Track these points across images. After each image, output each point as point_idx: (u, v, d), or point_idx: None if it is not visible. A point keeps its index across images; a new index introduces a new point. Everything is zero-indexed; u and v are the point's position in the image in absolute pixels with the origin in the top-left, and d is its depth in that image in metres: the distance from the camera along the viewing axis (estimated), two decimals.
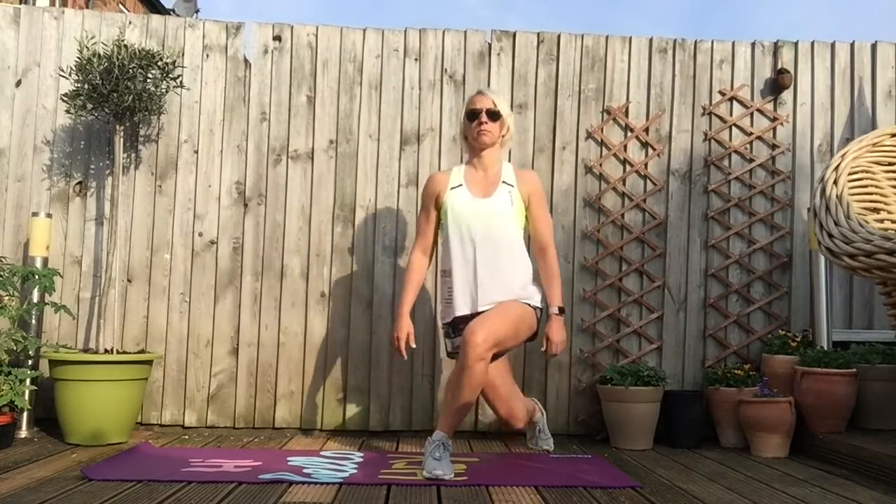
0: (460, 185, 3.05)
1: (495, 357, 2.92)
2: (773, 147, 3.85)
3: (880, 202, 2.89)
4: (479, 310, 2.94)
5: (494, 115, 3.02)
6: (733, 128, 3.86)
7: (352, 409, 3.69)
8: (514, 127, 3.17)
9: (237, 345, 3.71)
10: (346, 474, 2.69)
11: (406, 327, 3.04)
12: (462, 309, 2.98)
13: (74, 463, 2.83)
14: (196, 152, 3.77)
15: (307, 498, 2.35)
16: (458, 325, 3.00)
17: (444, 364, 3.69)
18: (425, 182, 3.19)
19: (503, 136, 3.10)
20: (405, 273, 3.15)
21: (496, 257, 2.97)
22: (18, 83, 3.77)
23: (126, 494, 2.33)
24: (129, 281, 3.71)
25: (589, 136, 3.83)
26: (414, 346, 3.06)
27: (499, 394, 3.04)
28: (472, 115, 3.04)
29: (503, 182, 3.05)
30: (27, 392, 3.23)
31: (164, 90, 3.56)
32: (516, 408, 3.10)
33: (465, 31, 3.85)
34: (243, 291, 3.73)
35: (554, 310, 3.03)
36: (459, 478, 2.67)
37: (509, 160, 3.79)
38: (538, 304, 3.04)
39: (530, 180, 3.10)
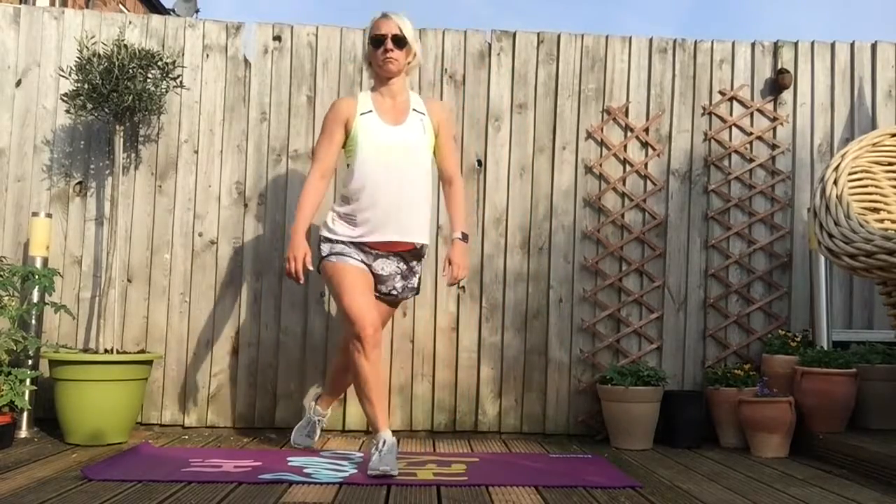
0: (370, 110, 2.95)
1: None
2: (773, 147, 3.85)
3: (880, 202, 2.89)
4: (394, 238, 2.92)
5: (400, 42, 2.91)
6: (733, 128, 3.86)
7: (352, 409, 3.69)
8: (421, 53, 3.07)
9: (237, 345, 3.70)
10: (346, 474, 2.69)
11: (302, 246, 2.89)
12: (366, 237, 2.91)
13: (74, 463, 2.83)
14: (196, 152, 3.77)
15: (307, 498, 2.35)
16: (342, 242, 2.93)
17: (444, 364, 3.69)
18: (330, 106, 3.04)
19: (409, 63, 3.00)
20: (301, 195, 2.98)
21: (410, 187, 2.92)
22: (18, 83, 3.77)
23: (126, 494, 2.33)
24: (129, 281, 3.71)
25: (589, 136, 3.83)
26: (311, 268, 2.94)
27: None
28: (376, 41, 2.92)
29: (413, 110, 2.99)
30: (27, 392, 3.23)
31: (164, 90, 3.56)
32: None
33: (465, 31, 3.85)
34: (243, 291, 3.73)
35: (457, 234, 3.00)
36: (459, 478, 2.67)
37: (509, 158, 3.79)
38: (426, 241, 3.05)
39: (441, 109, 3.08)
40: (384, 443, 2.75)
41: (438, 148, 3.05)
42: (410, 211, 2.94)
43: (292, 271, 2.91)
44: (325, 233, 3.01)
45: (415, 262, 3.07)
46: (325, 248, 2.98)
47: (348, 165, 3.01)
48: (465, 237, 3.01)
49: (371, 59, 3.00)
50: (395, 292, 3.05)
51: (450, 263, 2.98)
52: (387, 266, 2.99)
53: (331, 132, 2.98)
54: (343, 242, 2.95)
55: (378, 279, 3.00)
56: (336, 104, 3.03)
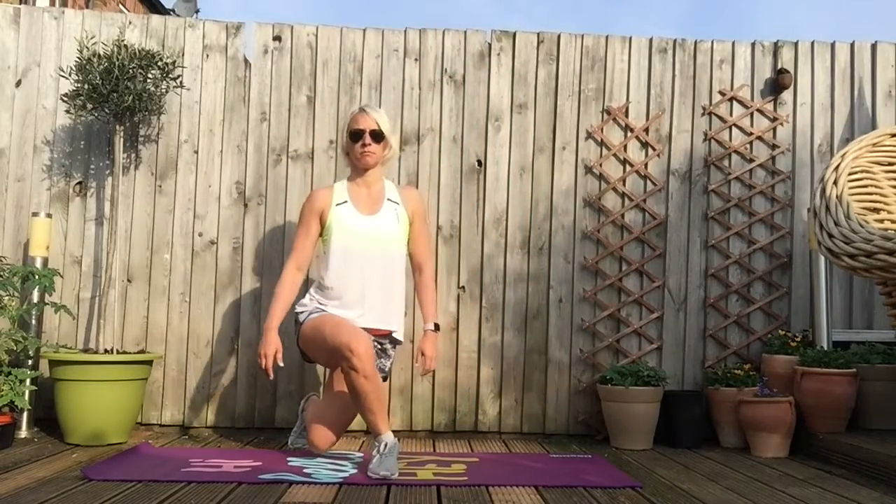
0: (345, 201, 3.04)
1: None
2: (773, 147, 3.85)
3: (880, 202, 2.89)
4: (366, 325, 2.95)
5: (378, 136, 3.01)
6: (733, 128, 3.86)
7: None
8: (397, 146, 3.18)
9: (237, 345, 3.70)
10: (346, 474, 2.69)
11: (274, 343, 2.96)
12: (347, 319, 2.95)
13: (74, 463, 2.83)
14: (196, 152, 3.77)
15: (307, 498, 2.35)
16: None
17: (444, 364, 3.69)
18: (307, 198, 3.14)
19: (385, 156, 3.09)
20: (277, 288, 3.07)
21: (383, 276, 3.00)
22: (18, 83, 3.77)
23: (126, 494, 2.33)
24: (129, 281, 3.71)
25: (589, 136, 3.83)
26: (281, 364, 2.99)
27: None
28: (355, 135, 3.02)
29: (388, 199, 3.07)
30: (27, 392, 3.23)
31: (164, 90, 3.56)
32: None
33: (465, 31, 3.85)
34: (243, 291, 3.73)
35: (430, 326, 3.11)
36: (459, 478, 2.67)
37: (509, 158, 3.79)
38: (401, 339, 3.14)
39: (414, 198, 3.15)
40: (385, 445, 2.75)
41: (412, 236, 3.13)
42: (384, 299, 3.01)
43: (263, 367, 2.96)
44: (299, 309, 3.07)
45: (388, 345, 3.11)
46: (302, 316, 3.03)
47: (324, 253, 3.07)
48: (436, 328, 3.13)
49: (349, 150, 3.09)
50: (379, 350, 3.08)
51: (422, 354, 3.08)
52: None
53: (307, 224, 3.07)
54: (320, 308, 3.01)
55: None
56: (312, 195, 3.11)
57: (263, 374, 3.00)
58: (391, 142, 3.07)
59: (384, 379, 3.13)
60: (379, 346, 3.07)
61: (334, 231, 3.01)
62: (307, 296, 3.09)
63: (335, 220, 3.01)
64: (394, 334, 3.09)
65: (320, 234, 3.08)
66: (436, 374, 3.69)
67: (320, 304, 3.02)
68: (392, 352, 3.14)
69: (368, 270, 2.98)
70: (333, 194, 3.06)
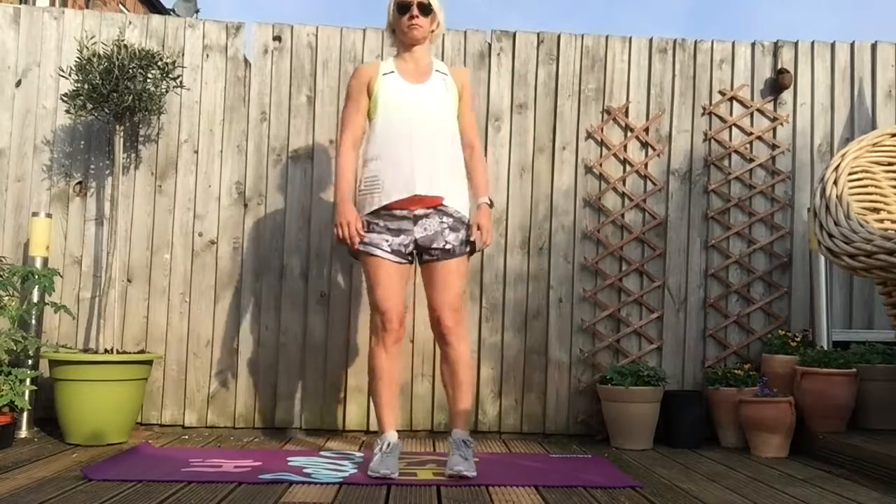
0: (392, 71, 2.92)
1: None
2: (774, 147, 3.85)
3: (880, 202, 2.89)
4: (417, 193, 2.79)
5: (426, 9, 2.87)
6: (733, 128, 3.86)
7: (352, 409, 3.69)
8: (444, 20, 3.00)
9: (237, 345, 3.70)
10: (346, 474, 2.69)
11: (353, 212, 2.82)
12: (391, 194, 2.80)
13: (74, 463, 2.83)
14: (196, 152, 3.77)
15: (307, 498, 2.35)
16: (377, 219, 2.82)
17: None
18: (353, 73, 3.03)
19: (433, 31, 2.95)
20: (337, 166, 2.93)
21: (431, 145, 2.83)
22: (18, 83, 3.77)
23: (126, 494, 2.33)
24: (129, 281, 3.71)
25: (589, 136, 3.83)
26: (363, 234, 2.83)
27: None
28: (402, 7, 2.87)
29: (436, 71, 2.96)
30: (27, 392, 3.23)
31: (164, 90, 3.56)
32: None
33: (465, 31, 3.85)
34: (243, 291, 3.73)
35: (483, 200, 2.90)
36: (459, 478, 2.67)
37: (509, 158, 3.79)
38: (467, 214, 2.91)
39: (464, 73, 3.04)
40: (388, 444, 2.75)
41: (460, 112, 2.99)
42: (434, 165, 2.82)
43: (346, 237, 2.81)
44: (360, 203, 2.91)
45: (462, 214, 2.90)
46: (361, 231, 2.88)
47: (371, 127, 2.94)
48: (490, 203, 2.93)
49: (395, 25, 2.95)
50: (448, 246, 2.83)
51: (477, 228, 2.86)
52: (430, 224, 2.83)
53: (355, 98, 2.95)
54: (373, 223, 2.83)
55: (425, 242, 2.83)
56: (358, 69, 3.00)
57: (346, 245, 2.85)
58: (439, 17, 2.94)
59: (471, 248, 2.90)
60: (451, 219, 2.85)
61: (381, 99, 2.88)
62: (358, 183, 2.93)
63: (382, 88, 2.89)
64: (445, 202, 2.84)
65: (368, 110, 2.95)
66: (436, 374, 3.69)
67: (368, 184, 2.86)
68: (461, 227, 2.87)
69: (416, 136, 2.82)
70: (380, 66, 2.95)
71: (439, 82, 2.93)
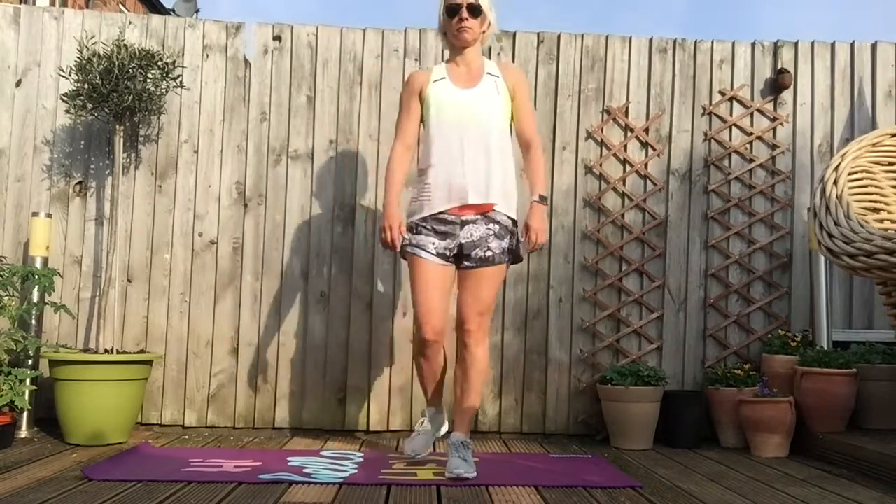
0: (443, 77, 2.93)
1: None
2: (774, 147, 3.85)
3: (880, 202, 2.89)
4: (469, 202, 2.81)
5: (475, 10, 2.86)
6: (733, 128, 3.86)
7: (352, 409, 3.69)
8: (496, 20, 2.99)
9: (237, 345, 3.70)
10: (346, 474, 2.69)
11: (398, 217, 2.85)
12: (441, 204, 2.83)
13: (74, 463, 2.83)
14: (196, 152, 3.77)
15: (307, 498, 2.35)
16: (425, 223, 2.85)
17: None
18: (405, 81, 3.05)
19: (484, 33, 2.94)
20: (387, 169, 2.94)
21: (482, 150, 2.83)
22: (18, 83, 3.77)
23: (126, 494, 2.33)
24: (129, 281, 3.71)
25: (589, 136, 3.83)
26: (406, 235, 2.87)
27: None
28: (451, 10, 2.86)
29: (488, 73, 2.94)
30: (27, 392, 3.23)
31: (163, 90, 3.56)
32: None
33: None
34: (243, 291, 3.72)
35: (535, 197, 2.87)
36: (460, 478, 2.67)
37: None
38: (514, 216, 2.90)
39: (516, 72, 3.02)
40: (420, 422, 2.98)
41: (515, 111, 2.96)
42: (486, 172, 2.83)
43: (388, 240, 2.85)
44: (405, 213, 2.97)
45: (510, 223, 2.90)
46: (406, 235, 2.91)
47: (424, 134, 2.95)
48: (542, 199, 2.88)
49: (445, 28, 2.93)
50: (489, 254, 2.83)
51: (528, 228, 2.85)
52: (476, 230, 2.84)
53: (407, 105, 2.97)
54: (422, 226, 2.86)
55: (468, 247, 2.83)
56: (410, 77, 3.03)
57: (390, 249, 2.89)
58: (490, 17, 2.92)
59: (514, 261, 2.94)
60: (498, 227, 2.86)
61: (432, 107, 2.89)
62: (411, 190, 2.97)
63: (433, 96, 2.90)
64: (496, 207, 2.85)
65: (420, 117, 2.96)
66: None
67: (421, 192, 2.88)
68: (506, 235, 2.87)
69: (468, 142, 2.82)
70: (432, 73, 2.96)
71: (490, 85, 2.91)
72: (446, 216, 2.85)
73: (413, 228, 2.89)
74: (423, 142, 2.96)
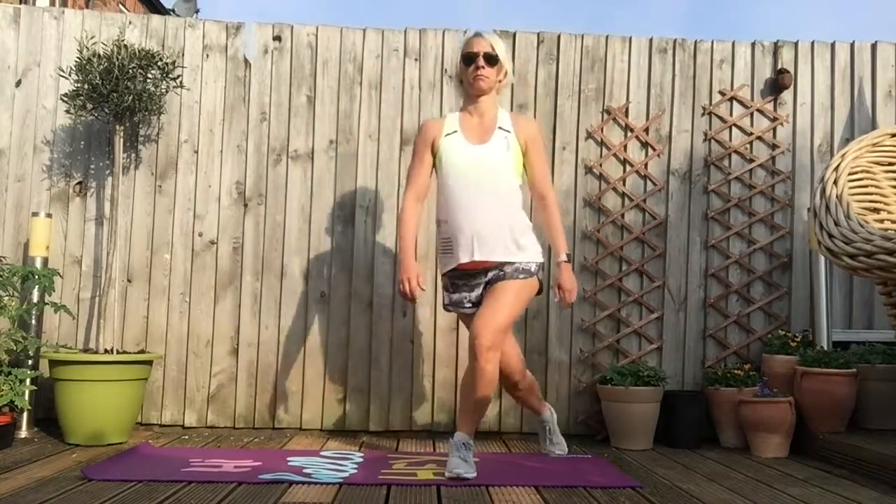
0: (455, 131, 2.95)
1: None
2: (774, 147, 3.85)
3: (880, 202, 2.89)
4: (477, 258, 2.86)
5: (492, 60, 2.89)
6: (733, 128, 3.86)
7: (352, 409, 3.69)
8: (511, 73, 3.05)
9: (237, 345, 3.71)
10: (346, 474, 2.69)
11: (414, 268, 2.90)
12: (462, 257, 2.88)
13: (74, 463, 2.83)
14: (196, 152, 3.77)
15: (307, 498, 2.35)
16: (455, 278, 2.95)
17: (444, 364, 3.69)
18: (418, 129, 3.09)
19: (500, 82, 2.98)
20: (399, 221, 3.01)
21: (492, 206, 2.87)
22: (18, 83, 3.77)
23: (126, 494, 2.33)
24: (129, 281, 3.71)
25: (589, 136, 3.83)
26: (424, 289, 2.98)
27: (510, 363, 2.97)
28: (468, 58, 2.91)
29: (499, 128, 2.95)
30: (27, 392, 3.23)
31: (163, 90, 3.56)
32: (528, 377, 3.13)
33: (465, 32, 3.85)
34: (243, 291, 3.73)
35: (562, 258, 2.95)
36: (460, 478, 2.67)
37: None
38: (537, 259, 2.93)
39: (528, 126, 3.02)
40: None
41: (528, 165, 3.00)
42: (495, 230, 2.87)
43: (406, 292, 2.90)
44: (440, 263, 3.07)
45: (532, 266, 2.93)
46: (444, 295, 3.04)
47: (438, 185, 3.01)
48: (568, 258, 2.98)
49: (462, 76, 2.99)
50: (508, 270, 2.88)
51: (560, 288, 2.94)
52: (499, 274, 2.90)
53: (420, 155, 3.02)
54: (453, 282, 2.97)
55: (492, 280, 2.91)
56: (424, 126, 3.06)
57: (408, 301, 2.94)
58: (506, 67, 2.96)
59: (528, 274, 2.89)
60: (500, 272, 2.90)
61: (444, 161, 2.93)
62: (436, 239, 3.08)
63: (444, 150, 2.93)
64: (514, 262, 2.88)
65: (433, 166, 3.01)
66: (436, 374, 3.70)
67: (442, 246, 2.98)
68: (529, 275, 2.90)
69: (479, 198, 2.87)
70: (444, 124, 2.98)
71: (501, 141, 2.94)
72: (470, 270, 2.92)
73: (447, 287, 3.01)
74: (439, 193, 3.02)
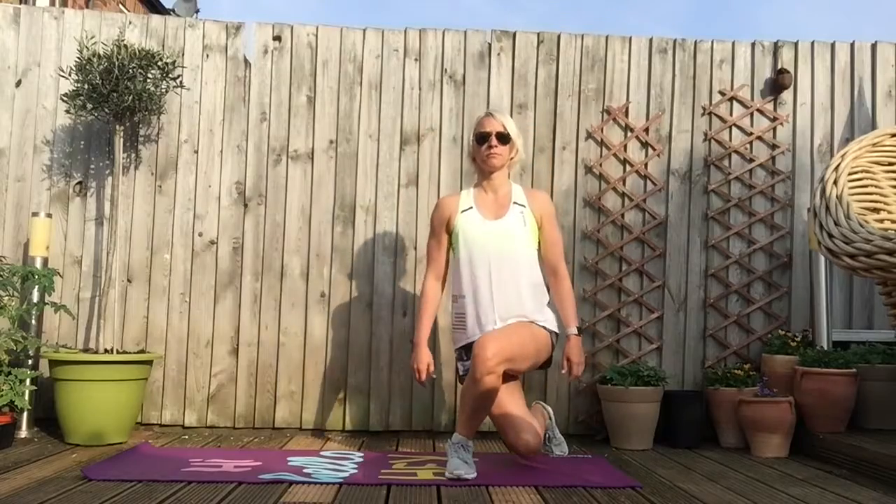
0: (471, 207, 3.00)
1: (508, 378, 2.87)
2: (773, 147, 3.85)
3: (880, 202, 2.89)
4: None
5: (504, 139, 2.96)
6: (733, 128, 3.86)
7: (352, 409, 3.69)
8: (523, 150, 3.12)
9: (237, 345, 3.71)
10: (346, 474, 2.69)
11: (426, 357, 2.96)
12: (476, 333, 2.90)
13: (74, 463, 2.83)
14: (196, 152, 3.77)
15: (307, 498, 2.35)
16: (469, 349, 2.92)
17: (443, 363, 3.69)
18: (434, 207, 3.12)
19: (512, 159, 3.05)
20: (420, 301, 3.08)
21: (511, 280, 2.91)
22: (18, 83, 3.77)
23: (126, 494, 2.33)
24: (129, 281, 3.71)
25: (589, 136, 3.83)
26: (434, 376, 3.01)
27: (510, 421, 2.89)
28: (481, 138, 2.98)
29: (514, 203, 3.00)
30: (27, 392, 3.23)
31: (163, 90, 3.56)
32: (526, 439, 2.86)
33: (465, 31, 3.85)
34: (243, 291, 3.73)
35: (572, 330, 2.97)
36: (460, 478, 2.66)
37: None
38: (554, 329, 2.99)
39: (542, 201, 3.06)
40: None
41: (542, 239, 3.03)
42: (516, 302, 2.90)
43: (420, 380, 2.97)
44: (453, 338, 3.07)
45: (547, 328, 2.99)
46: (458, 365, 3.03)
47: (454, 262, 3.04)
48: (579, 331, 3.01)
49: (475, 154, 3.04)
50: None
51: (568, 361, 2.96)
52: None
53: (437, 234, 3.07)
54: (466, 353, 2.94)
55: None
56: (439, 203, 3.09)
57: (418, 383, 3.00)
58: (517, 145, 3.02)
59: (544, 365, 3.01)
60: None
61: (460, 238, 2.97)
62: (451, 313, 3.08)
63: (461, 227, 2.98)
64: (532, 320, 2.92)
65: (449, 244, 3.06)
66: (436, 375, 3.69)
67: (457, 320, 3.00)
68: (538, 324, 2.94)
69: (496, 274, 2.90)
70: (459, 201, 3.03)
71: (517, 215, 2.97)
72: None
73: (461, 357, 3.01)
74: (454, 269, 3.03)
